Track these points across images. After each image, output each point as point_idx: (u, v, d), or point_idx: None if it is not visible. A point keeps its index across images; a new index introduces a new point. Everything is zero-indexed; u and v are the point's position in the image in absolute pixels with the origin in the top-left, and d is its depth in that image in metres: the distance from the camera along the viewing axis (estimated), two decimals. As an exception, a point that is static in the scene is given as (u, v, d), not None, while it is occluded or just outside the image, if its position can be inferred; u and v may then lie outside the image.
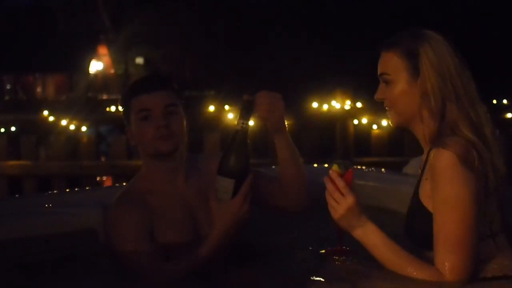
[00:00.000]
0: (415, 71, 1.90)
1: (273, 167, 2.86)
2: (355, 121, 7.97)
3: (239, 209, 2.12)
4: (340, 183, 1.89)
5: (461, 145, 1.80)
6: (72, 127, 8.26)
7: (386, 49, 1.96)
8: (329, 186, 1.91)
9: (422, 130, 1.94)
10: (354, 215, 1.89)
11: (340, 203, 1.89)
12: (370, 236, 1.89)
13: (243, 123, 2.13)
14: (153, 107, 2.25)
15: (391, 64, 1.94)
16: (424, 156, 1.97)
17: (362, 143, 7.86)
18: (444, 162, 1.79)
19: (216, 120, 8.61)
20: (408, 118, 1.94)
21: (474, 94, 1.91)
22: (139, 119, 2.26)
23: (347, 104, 7.89)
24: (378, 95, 1.95)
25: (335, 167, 1.91)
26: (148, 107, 2.25)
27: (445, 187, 1.79)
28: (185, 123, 2.31)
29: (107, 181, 7.77)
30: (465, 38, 15.20)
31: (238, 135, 2.13)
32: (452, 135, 1.84)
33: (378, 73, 1.97)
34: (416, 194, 1.95)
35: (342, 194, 1.89)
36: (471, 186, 1.79)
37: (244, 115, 2.14)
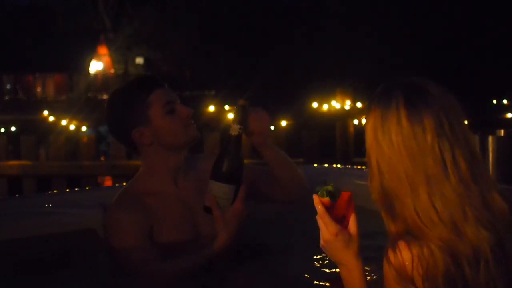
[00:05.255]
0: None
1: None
2: (355, 121, 7.96)
3: (242, 214, 2.13)
4: (320, 211, 1.58)
5: (410, 254, 1.41)
6: (72, 127, 8.26)
7: None
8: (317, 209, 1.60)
9: None
10: (335, 249, 1.58)
11: (321, 232, 1.59)
12: (350, 279, 1.59)
13: (239, 128, 2.13)
14: (175, 99, 2.28)
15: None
16: None
17: (362, 143, 7.84)
18: (388, 263, 1.44)
19: (216, 120, 8.61)
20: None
21: (439, 176, 1.42)
22: (165, 112, 2.25)
23: (347, 104, 7.87)
24: None
25: (321, 193, 1.59)
26: (172, 99, 2.27)
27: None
28: None
29: (107, 181, 7.76)
30: (465, 37, 15.20)
31: (235, 140, 2.13)
32: (415, 236, 1.43)
33: None
34: None
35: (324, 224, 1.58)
36: None
37: (240, 120, 2.15)
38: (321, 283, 2.16)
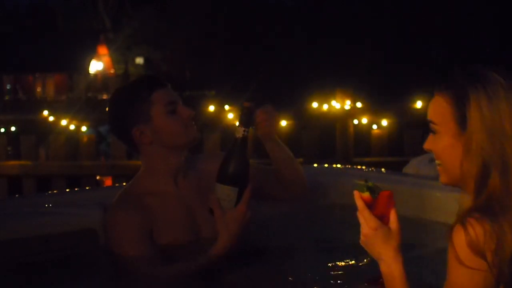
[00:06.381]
0: (463, 121, 1.55)
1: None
2: (355, 121, 7.94)
3: (244, 217, 2.13)
4: (360, 206, 1.63)
5: (482, 229, 1.47)
6: (72, 127, 8.24)
7: (436, 92, 1.62)
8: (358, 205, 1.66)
9: None
10: (375, 244, 1.62)
11: (362, 227, 1.64)
12: (390, 274, 1.62)
13: (244, 131, 2.14)
14: (177, 99, 2.29)
15: (438, 111, 1.60)
16: None
17: (362, 143, 7.84)
18: (455, 241, 1.49)
19: (216, 120, 8.58)
20: (456, 178, 1.59)
21: None
22: (168, 112, 2.26)
23: (347, 104, 7.86)
24: (425, 145, 1.64)
25: (360, 189, 1.63)
26: (174, 99, 2.28)
27: (450, 269, 1.51)
28: None
29: (107, 181, 7.75)
30: (465, 36, 15.22)
31: (241, 142, 2.13)
32: (484, 213, 1.48)
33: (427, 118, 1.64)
34: None
35: (364, 219, 1.63)
36: (474, 277, 1.47)
37: (246, 122, 2.15)
38: (322, 285, 2.16)
